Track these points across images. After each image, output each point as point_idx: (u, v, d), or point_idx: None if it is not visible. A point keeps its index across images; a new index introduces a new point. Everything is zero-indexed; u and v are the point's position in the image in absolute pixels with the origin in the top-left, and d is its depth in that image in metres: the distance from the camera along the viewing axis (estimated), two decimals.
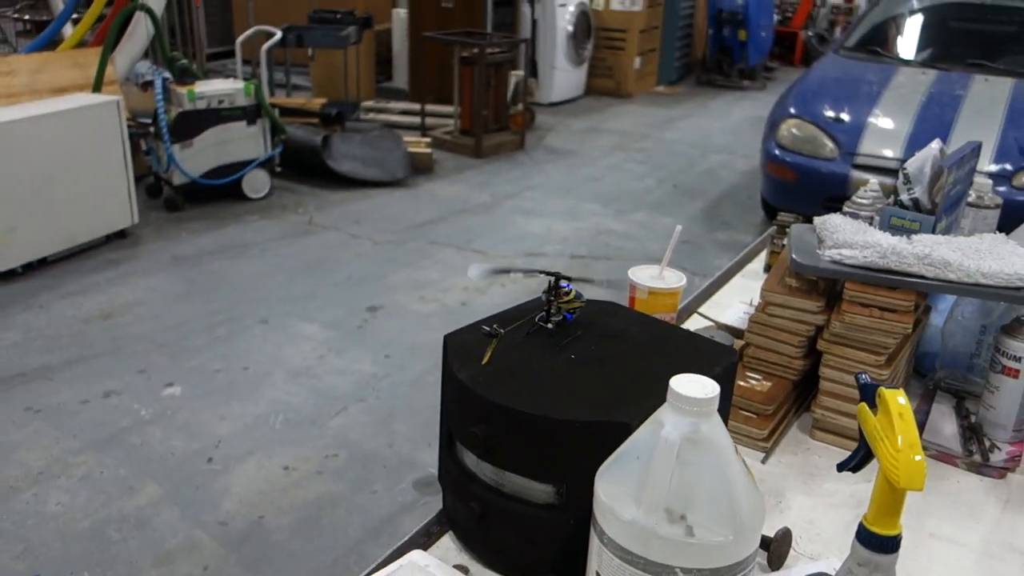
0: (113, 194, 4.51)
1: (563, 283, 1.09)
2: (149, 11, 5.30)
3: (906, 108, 4.61)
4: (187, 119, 4.90)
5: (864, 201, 1.56)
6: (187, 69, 5.12)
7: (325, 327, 3.80)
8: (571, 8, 8.18)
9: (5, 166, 3.94)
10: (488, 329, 1.04)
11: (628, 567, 0.77)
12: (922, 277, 1.22)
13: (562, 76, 8.35)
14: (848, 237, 1.29)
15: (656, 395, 0.80)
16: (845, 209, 1.56)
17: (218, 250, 4.60)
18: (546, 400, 0.93)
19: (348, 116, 6.36)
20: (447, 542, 1.06)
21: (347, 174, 5.64)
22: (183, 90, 4.88)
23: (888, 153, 4.36)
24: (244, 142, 5.16)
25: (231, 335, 3.69)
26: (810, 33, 11.35)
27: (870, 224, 1.40)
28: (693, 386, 0.76)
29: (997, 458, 1.24)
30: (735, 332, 1.49)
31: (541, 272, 1.10)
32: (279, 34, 6.31)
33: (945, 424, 1.32)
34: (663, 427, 0.76)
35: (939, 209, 1.37)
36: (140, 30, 5.69)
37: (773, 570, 1.01)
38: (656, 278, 1.35)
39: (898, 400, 0.74)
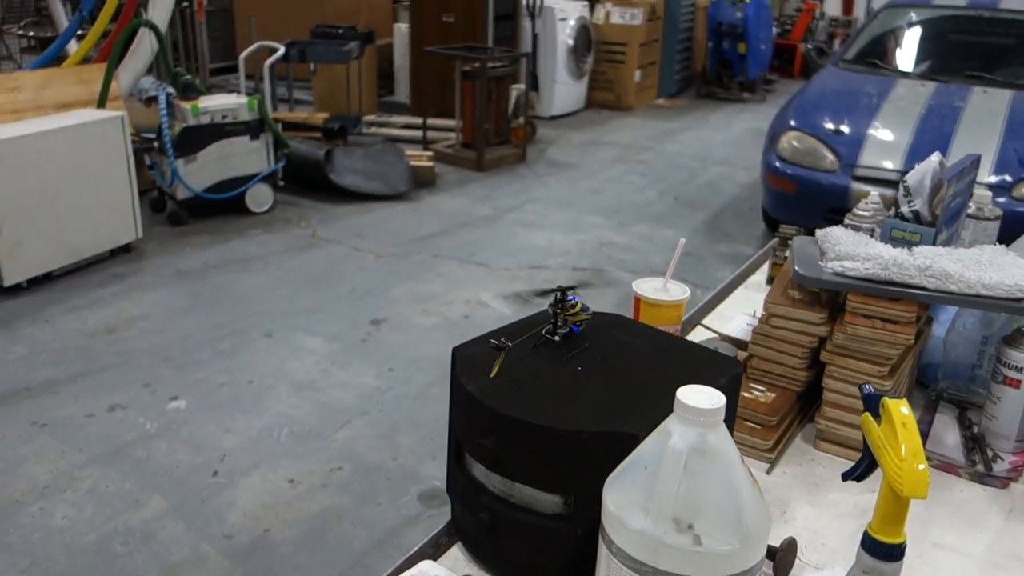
0: (117, 209, 4.53)
1: (569, 296, 1.10)
2: (153, 27, 5.34)
3: (906, 120, 4.64)
4: (191, 134, 4.93)
5: (865, 213, 1.58)
6: (191, 84, 5.14)
7: (329, 340, 3.81)
8: (571, 22, 8.23)
9: (11, 182, 3.96)
10: (496, 342, 1.05)
11: None
12: (923, 289, 1.24)
13: (563, 89, 8.39)
14: (850, 249, 1.30)
15: (662, 406, 0.81)
16: (846, 221, 1.58)
17: (222, 264, 4.62)
18: (554, 411, 0.95)
19: (350, 130, 6.39)
20: (456, 552, 1.07)
21: (350, 188, 5.66)
22: (187, 105, 4.91)
23: (888, 165, 4.38)
24: (247, 156, 5.19)
25: (235, 348, 3.71)
26: (809, 46, 11.40)
27: (871, 236, 1.42)
28: (700, 397, 0.78)
29: (1000, 468, 1.25)
30: (739, 344, 1.50)
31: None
32: (282, 49, 6.35)
33: (948, 434, 1.33)
34: (670, 437, 0.78)
35: (939, 221, 1.38)
36: (144, 46, 5.73)
37: None
38: (660, 290, 1.36)
39: (901, 410, 0.76)
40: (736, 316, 1.73)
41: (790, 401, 1.32)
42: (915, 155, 4.23)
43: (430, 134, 6.95)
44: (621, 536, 0.79)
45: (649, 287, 1.37)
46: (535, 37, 8.10)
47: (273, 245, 4.92)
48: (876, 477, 0.85)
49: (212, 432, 3.11)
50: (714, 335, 1.61)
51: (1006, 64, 5.24)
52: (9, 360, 3.55)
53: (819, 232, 1.42)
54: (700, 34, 10.11)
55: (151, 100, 5.05)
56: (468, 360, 1.05)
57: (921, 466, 0.72)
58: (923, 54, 5.65)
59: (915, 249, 1.30)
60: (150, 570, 2.45)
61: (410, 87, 7.96)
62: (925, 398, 1.43)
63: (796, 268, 1.31)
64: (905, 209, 1.41)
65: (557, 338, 1.10)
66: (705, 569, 0.76)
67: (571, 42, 8.25)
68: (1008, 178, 4.18)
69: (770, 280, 1.88)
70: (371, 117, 7.52)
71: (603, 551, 0.83)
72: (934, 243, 1.36)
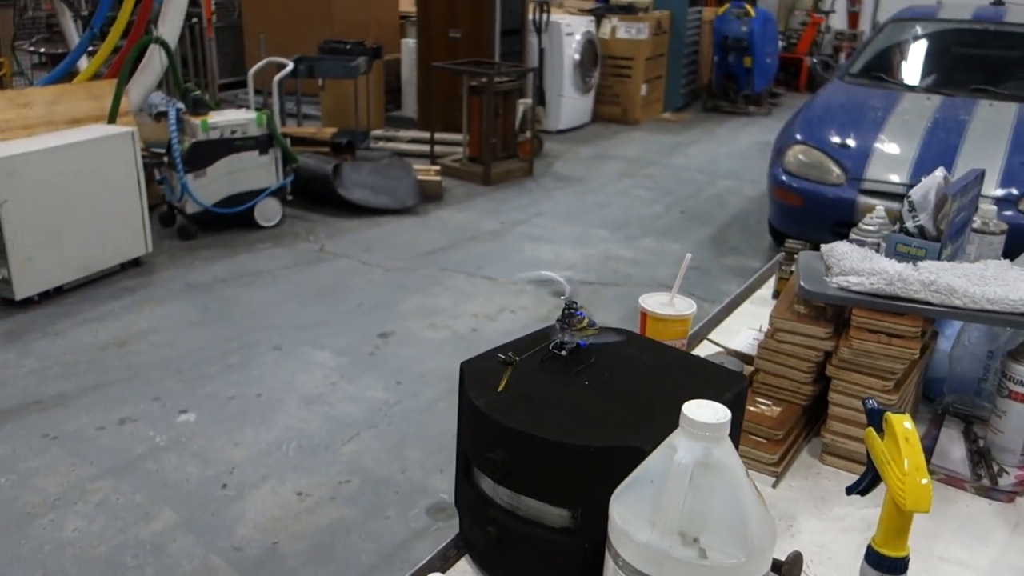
0: (128, 223, 4.56)
1: (576, 311, 1.12)
2: (164, 44, 5.39)
3: (912, 133, 4.65)
4: (200, 149, 4.96)
5: (870, 228, 1.59)
6: (200, 100, 5.19)
7: (337, 354, 3.83)
8: (578, 37, 8.26)
9: (22, 196, 4.00)
10: (503, 357, 1.06)
11: None
12: (928, 303, 1.24)
13: (569, 104, 8.42)
14: (855, 264, 1.31)
15: (668, 420, 0.82)
16: (852, 236, 1.59)
17: (231, 278, 4.64)
18: (561, 426, 0.96)
19: (358, 145, 6.42)
20: (464, 565, 1.08)
21: (357, 202, 5.69)
22: (196, 120, 4.95)
23: (894, 178, 4.39)
24: (256, 171, 5.23)
25: (244, 362, 3.73)
26: (815, 59, 11.42)
27: (876, 251, 1.43)
28: (705, 411, 0.79)
29: (1006, 482, 1.25)
30: (745, 358, 1.51)
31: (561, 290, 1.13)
32: (290, 65, 6.39)
33: (954, 448, 1.34)
34: (676, 452, 0.79)
35: (944, 236, 1.39)
36: (154, 62, 5.78)
37: None
38: (666, 305, 1.37)
39: (904, 425, 0.77)
40: (742, 330, 1.74)
41: (796, 415, 1.33)
42: (921, 168, 4.24)
43: (437, 148, 6.98)
44: (627, 549, 0.80)
45: (655, 302, 1.38)
46: (542, 52, 8.14)
47: (282, 259, 4.95)
48: (880, 491, 0.86)
49: (221, 445, 3.13)
50: (720, 349, 1.62)
51: (1012, 77, 5.25)
52: (21, 373, 3.58)
53: (824, 247, 1.43)
54: (706, 48, 10.14)
55: (161, 115, 5.09)
56: (476, 374, 1.06)
57: (924, 480, 0.73)
58: (929, 68, 5.66)
59: (920, 264, 1.31)
60: None
61: (418, 102, 7.99)
62: (931, 412, 1.44)
63: (802, 283, 1.32)
64: (910, 224, 1.42)
65: (564, 353, 1.11)
66: None
67: (577, 57, 8.28)
68: (1015, 191, 4.18)
69: (776, 294, 1.89)
70: (379, 132, 7.56)
71: (609, 564, 0.84)
72: (939, 258, 1.37)
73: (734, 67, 9.58)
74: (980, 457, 1.30)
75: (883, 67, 5.61)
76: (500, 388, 1.02)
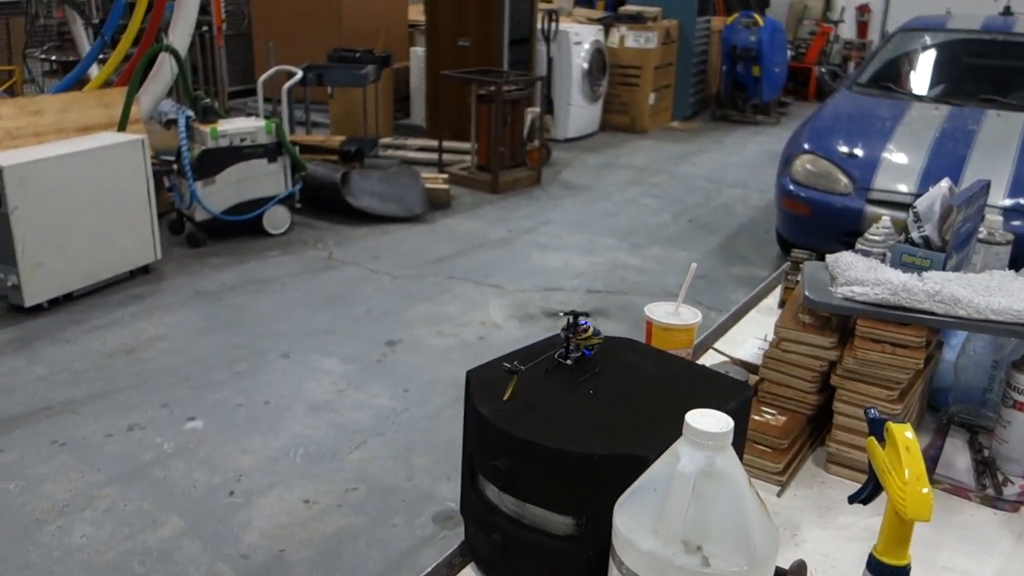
0: (137, 230, 4.59)
1: (582, 320, 1.12)
2: (174, 52, 5.42)
3: (920, 143, 4.64)
4: (210, 157, 4.99)
5: (876, 238, 1.59)
6: (210, 108, 5.22)
7: (345, 361, 3.84)
8: (586, 46, 8.29)
9: (33, 203, 4.03)
10: (509, 365, 1.07)
11: None
12: (932, 314, 1.25)
13: (577, 112, 8.44)
14: (860, 274, 1.32)
15: (672, 429, 0.83)
16: (858, 246, 1.59)
17: (239, 285, 4.66)
18: (566, 434, 0.97)
19: (367, 153, 6.45)
20: (469, 573, 1.08)
21: (366, 210, 5.71)
22: (206, 128, 4.98)
23: (902, 188, 4.39)
24: (265, 179, 5.25)
25: (252, 369, 3.74)
26: (823, 69, 11.41)
27: (882, 261, 1.43)
28: (708, 421, 0.79)
29: (1010, 492, 1.25)
30: (750, 367, 1.51)
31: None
32: (299, 73, 6.44)
33: (959, 458, 1.34)
34: (679, 460, 0.79)
35: (949, 246, 1.40)
36: (164, 70, 5.82)
37: None
38: (672, 314, 1.38)
39: (905, 434, 0.77)
40: (748, 340, 1.75)
41: (801, 424, 1.33)
42: (929, 178, 4.23)
43: (446, 157, 7.00)
44: (631, 557, 0.81)
45: (661, 311, 1.39)
46: (550, 61, 8.16)
47: (290, 267, 4.97)
48: (883, 500, 0.86)
49: (229, 452, 3.14)
50: (726, 359, 1.62)
51: (1020, 87, 5.24)
52: (30, 380, 3.60)
53: (829, 257, 1.43)
54: (715, 57, 10.15)
55: (171, 123, 5.13)
56: (482, 383, 1.07)
57: (925, 490, 0.74)
58: (937, 77, 5.66)
59: (925, 274, 1.31)
60: None
61: (426, 110, 8.03)
62: (936, 422, 1.44)
63: (807, 293, 1.33)
64: (915, 235, 1.43)
65: (569, 362, 1.11)
66: None
67: (586, 66, 8.30)
68: (1023, 201, 4.17)
69: (782, 304, 1.90)
70: (387, 140, 7.59)
71: (613, 572, 0.85)
72: (944, 268, 1.38)
73: (743, 76, 9.59)
74: (985, 467, 1.30)
75: (891, 77, 5.61)
76: (505, 397, 1.03)
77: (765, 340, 1.67)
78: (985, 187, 1.57)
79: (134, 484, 2.94)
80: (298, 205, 5.56)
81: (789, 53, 10.56)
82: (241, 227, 5.23)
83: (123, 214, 4.49)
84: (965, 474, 1.30)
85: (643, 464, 0.86)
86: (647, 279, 4.94)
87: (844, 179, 4.55)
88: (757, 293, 2.02)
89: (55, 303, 4.25)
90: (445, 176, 6.45)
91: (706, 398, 0.99)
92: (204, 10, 6.53)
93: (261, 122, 5.22)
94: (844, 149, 4.72)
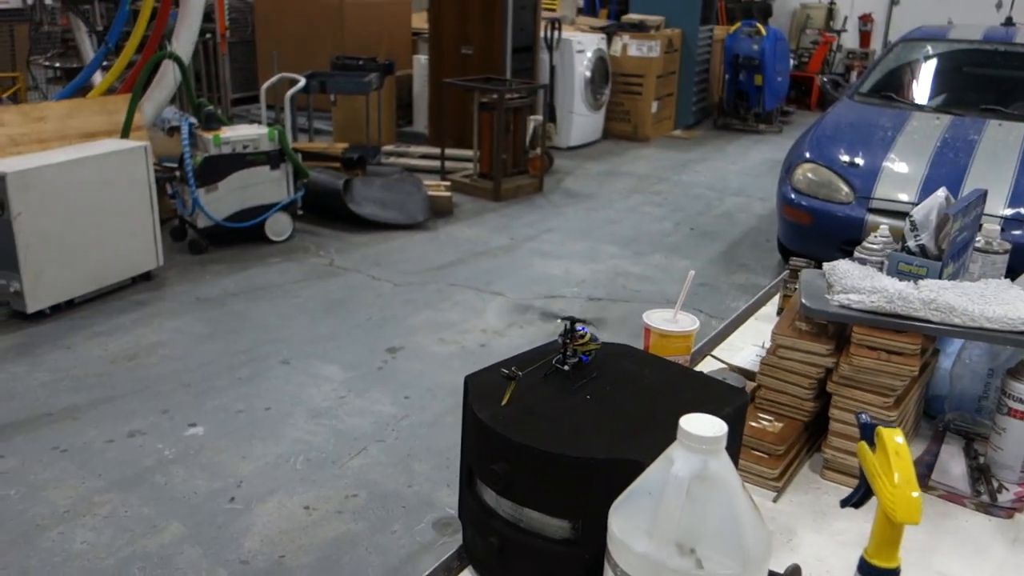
0: (139, 237, 4.61)
1: (579, 327, 1.13)
2: (177, 59, 5.44)
3: (921, 153, 4.66)
4: (212, 163, 5.01)
5: (874, 247, 1.60)
6: (213, 115, 5.24)
7: (346, 368, 3.85)
8: (589, 54, 8.31)
9: (36, 210, 4.04)
10: (507, 371, 1.08)
11: None
12: (928, 321, 1.26)
13: (580, 120, 8.46)
14: (856, 282, 1.33)
15: (667, 434, 0.84)
16: (855, 255, 1.60)
17: (241, 292, 4.67)
18: (563, 439, 0.98)
19: (369, 160, 6.47)
20: None
21: (368, 217, 5.73)
22: (209, 135, 5.00)
23: (903, 197, 4.40)
24: (267, 186, 5.27)
25: (253, 376, 3.75)
26: (825, 78, 11.43)
27: (879, 269, 1.44)
28: (702, 425, 0.80)
29: (1005, 498, 1.26)
30: (747, 374, 1.52)
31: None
32: (303, 81, 6.46)
33: (954, 465, 1.35)
34: (673, 464, 0.80)
35: (946, 255, 1.41)
36: (168, 77, 5.84)
37: None
38: (670, 321, 1.39)
39: (895, 439, 0.78)
40: (746, 347, 1.76)
41: (797, 431, 1.34)
42: (930, 188, 4.22)
43: (448, 164, 7.02)
44: (626, 560, 0.82)
45: (659, 318, 1.40)
46: (553, 69, 8.18)
47: (292, 273, 4.98)
48: (874, 504, 0.87)
49: (229, 458, 3.15)
50: (723, 365, 1.63)
51: (1021, 97, 5.25)
52: (31, 386, 3.61)
53: (827, 265, 1.44)
54: (717, 66, 10.18)
55: (174, 130, 5.15)
56: (480, 388, 1.08)
57: (914, 493, 0.74)
58: (938, 87, 5.68)
59: (921, 283, 1.32)
60: None
61: (428, 118, 8.05)
62: (932, 429, 1.45)
63: (803, 300, 1.34)
64: (911, 243, 1.44)
65: (567, 368, 1.13)
66: None
67: (588, 74, 8.33)
68: (1023, 211, 4.18)
69: (781, 311, 1.91)
70: (390, 147, 7.61)
71: (608, 575, 0.86)
72: (940, 277, 1.39)
73: (745, 85, 9.61)
74: (980, 474, 1.31)
75: (893, 87, 5.62)
76: (503, 402, 1.04)
77: (763, 347, 1.68)
78: (982, 196, 1.58)
79: (135, 490, 2.95)
80: (300, 212, 5.58)
81: (791, 62, 10.58)
82: (243, 234, 5.25)
83: (125, 221, 4.51)
84: (960, 481, 1.31)
85: (638, 468, 0.87)
86: (649, 287, 4.95)
87: (845, 188, 4.56)
88: (756, 301, 2.03)
89: (57, 309, 4.26)
90: (447, 183, 6.47)
91: (702, 403, 1.00)
92: (208, 17, 6.57)
93: (264, 129, 5.24)
94: (845, 158, 4.73)
